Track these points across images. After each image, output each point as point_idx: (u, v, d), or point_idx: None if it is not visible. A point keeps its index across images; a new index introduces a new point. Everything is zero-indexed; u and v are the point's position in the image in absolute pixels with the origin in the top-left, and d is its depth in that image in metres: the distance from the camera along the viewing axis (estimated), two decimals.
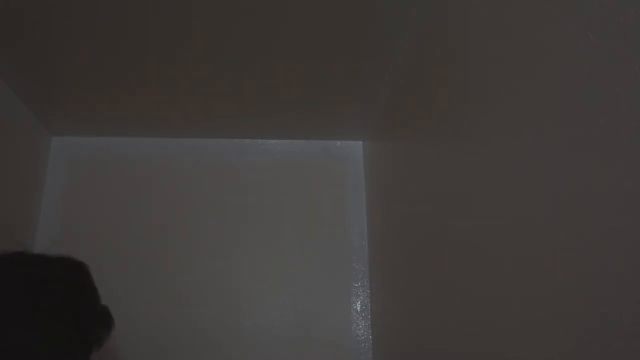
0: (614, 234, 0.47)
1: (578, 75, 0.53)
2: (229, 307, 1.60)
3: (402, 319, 1.27)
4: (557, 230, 0.57)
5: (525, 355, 0.64)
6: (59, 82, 1.44)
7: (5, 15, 1.16)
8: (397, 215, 1.34)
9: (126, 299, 1.53)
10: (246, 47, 1.29)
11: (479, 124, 0.80)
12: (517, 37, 0.67)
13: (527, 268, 0.64)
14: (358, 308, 1.62)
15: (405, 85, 1.27)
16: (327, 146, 1.79)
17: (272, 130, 1.72)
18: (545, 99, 0.60)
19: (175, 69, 1.38)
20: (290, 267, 1.65)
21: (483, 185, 0.78)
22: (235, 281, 1.62)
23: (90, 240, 1.61)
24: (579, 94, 0.53)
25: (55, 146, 1.72)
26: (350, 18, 1.18)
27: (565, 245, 0.55)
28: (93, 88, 1.47)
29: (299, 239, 1.68)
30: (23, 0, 1.12)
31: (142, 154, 1.73)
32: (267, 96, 1.52)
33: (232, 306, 1.60)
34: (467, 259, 0.84)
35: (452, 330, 0.91)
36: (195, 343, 1.55)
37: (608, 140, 0.48)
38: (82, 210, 1.66)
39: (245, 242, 1.66)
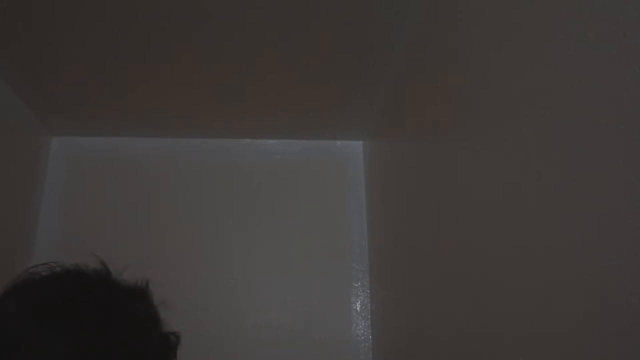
0: (613, 232, 0.47)
1: (577, 75, 0.53)
2: (229, 306, 1.60)
3: (402, 319, 1.27)
4: (556, 230, 0.57)
5: (524, 354, 0.64)
6: (59, 82, 1.44)
7: (6, 15, 1.16)
8: (397, 215, 1.34)
9: None
10: (246, 48, 1.29)
11: (478, 123, 0.80)
12: (516, 38, 0.67)
13: (526, 264, 0.64)
14: (358, 308, 1.62)
15: (404, 86, 1.27)
16: (327, 146, 1.79)
17: (272, 130, 1.72)
18: (544, 99, 0.60)
19: (176, 69, 1.38)
20: (290, 266, 1.65)
21: (482, 185, 0.79)
22: (236, 281, 1.62)
23: (90, 239, 1.61)
24: (578, 94, 0.53)
25: (55, 146, 1.72)
26: (350, 18, 1.18)
27: (564, 245, 0.55)
28: (93, 88, 1.47)
29: (299, 239, 1.68)
30: (23, 0, 1.12)
31: (142, 154, 1.73)
32: (268, 96, 1.52)
33: (233, 306, 1.60)
34: (466, 259, 0.85)
35: (451, 329, 0.91)
36: (195, 342, 1.55)
37: (608, 140, 0.48)
38: (82, 210, 1.66)
39: (245, 242, 1.66)
